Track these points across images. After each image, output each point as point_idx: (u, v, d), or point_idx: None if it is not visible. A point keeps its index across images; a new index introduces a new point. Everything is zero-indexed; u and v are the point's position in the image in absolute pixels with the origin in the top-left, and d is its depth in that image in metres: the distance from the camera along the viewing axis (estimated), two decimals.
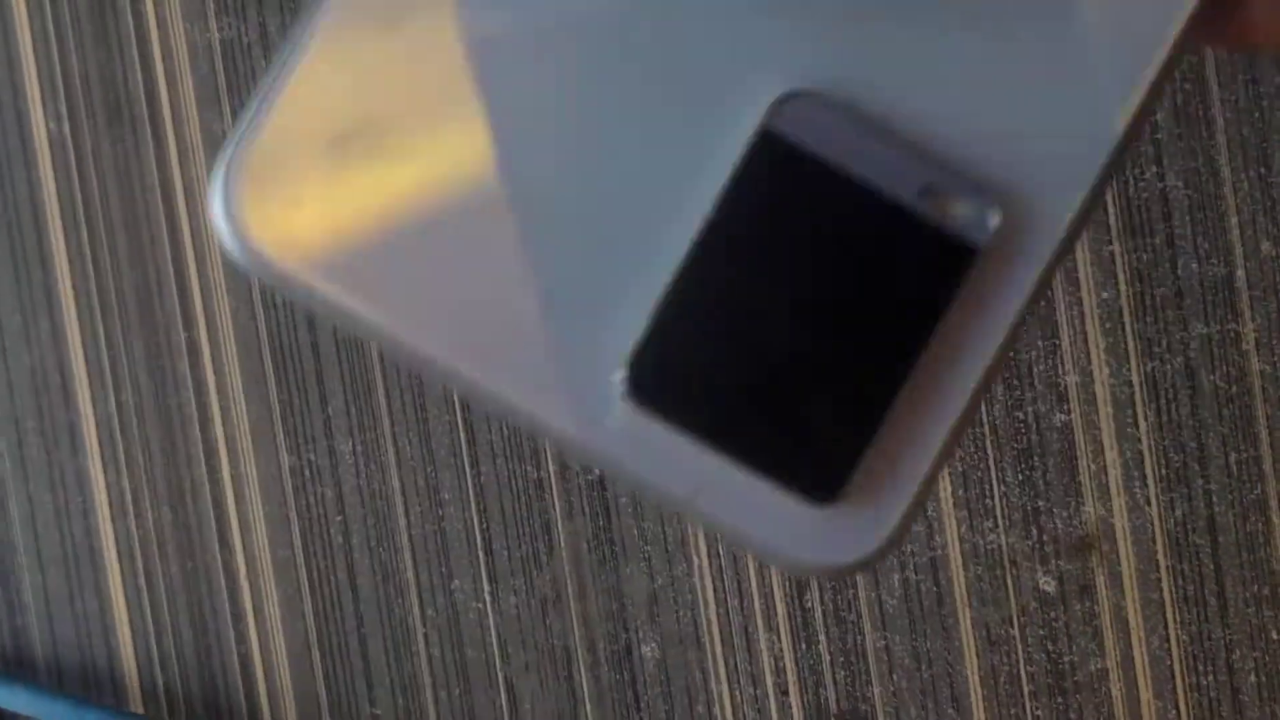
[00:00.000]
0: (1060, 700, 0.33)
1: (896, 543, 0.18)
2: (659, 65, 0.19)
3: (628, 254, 0.19)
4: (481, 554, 0.34)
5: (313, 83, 0.20)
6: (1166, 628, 0.33)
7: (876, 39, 0.19)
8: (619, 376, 0.18)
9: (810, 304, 0.19)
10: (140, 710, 0.35)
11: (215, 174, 0.20)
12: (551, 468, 0.34)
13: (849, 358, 0.19)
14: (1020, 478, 0.33)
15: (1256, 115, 0.33)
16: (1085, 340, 0.33)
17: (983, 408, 0.33)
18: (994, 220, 0.19)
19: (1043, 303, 0.33)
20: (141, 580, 0.34)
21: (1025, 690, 0.33)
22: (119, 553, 0.35)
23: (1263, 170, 0.33)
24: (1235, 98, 0.33)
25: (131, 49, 0.34)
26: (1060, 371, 0.33)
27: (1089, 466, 0.33)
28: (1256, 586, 0.33)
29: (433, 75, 0.19)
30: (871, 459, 0.18)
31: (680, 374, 0.18)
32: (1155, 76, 0.20)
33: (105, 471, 0.34)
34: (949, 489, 0.33)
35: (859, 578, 0.33)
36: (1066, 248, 0.19)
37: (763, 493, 0.18)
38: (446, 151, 0.20)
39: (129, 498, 0.34)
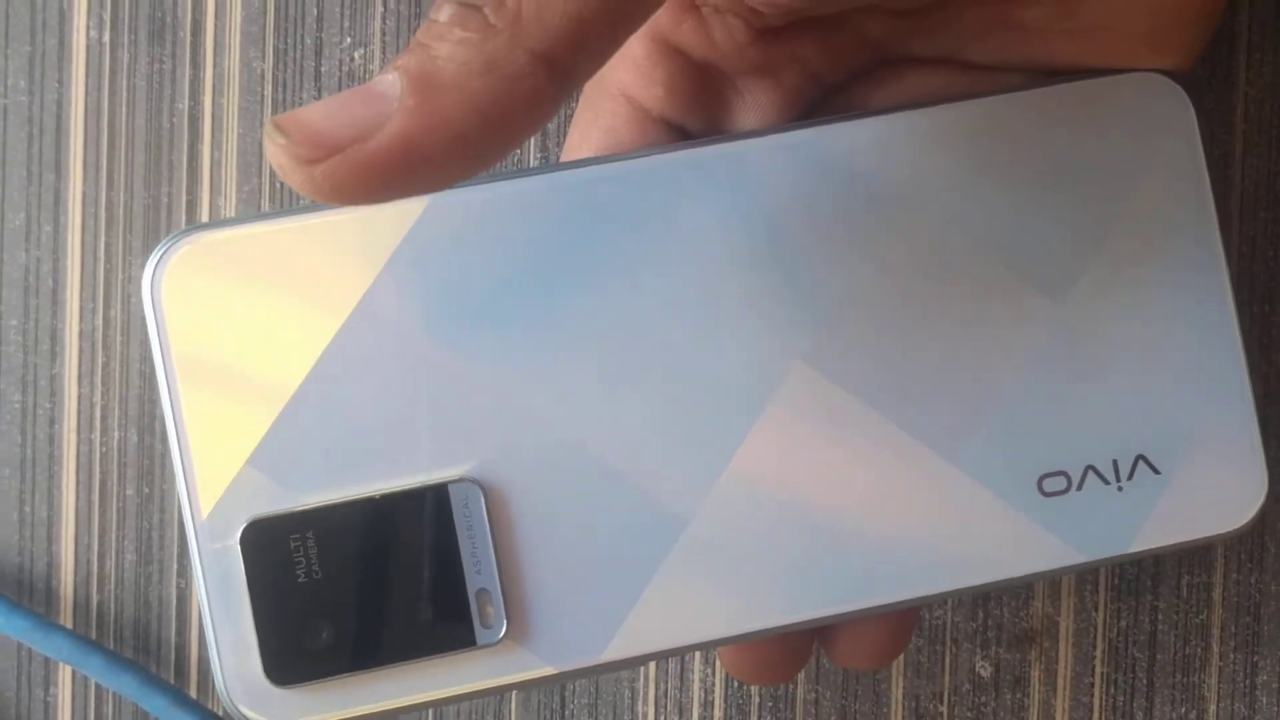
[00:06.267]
0: None
1: None
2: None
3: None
4: None
5: None
6: None
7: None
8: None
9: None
10: (69, 624, 0.34)
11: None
12: None
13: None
14: None
15: None
16: None
17: None
18: (502, 632, 0.26)
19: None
20: (95, 497, 0.34)
21: None
22: (78, 465, 0.34)
23: None
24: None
25: None
26: None
27: None
28: (1184, 709, 0.33)
29: None
30: (316, 689, 0.26)
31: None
32: None
33: (80, 383, 0.34)
34: None
35: None
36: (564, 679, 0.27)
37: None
38: None
39: (98, 414, 0.34)
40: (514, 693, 0.34)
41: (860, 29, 0.28)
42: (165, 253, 0.26)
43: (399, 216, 0.26)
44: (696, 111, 0.29)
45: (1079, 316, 0.27)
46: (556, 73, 0.22)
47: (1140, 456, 0.27)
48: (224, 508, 0.26)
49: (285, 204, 0.34)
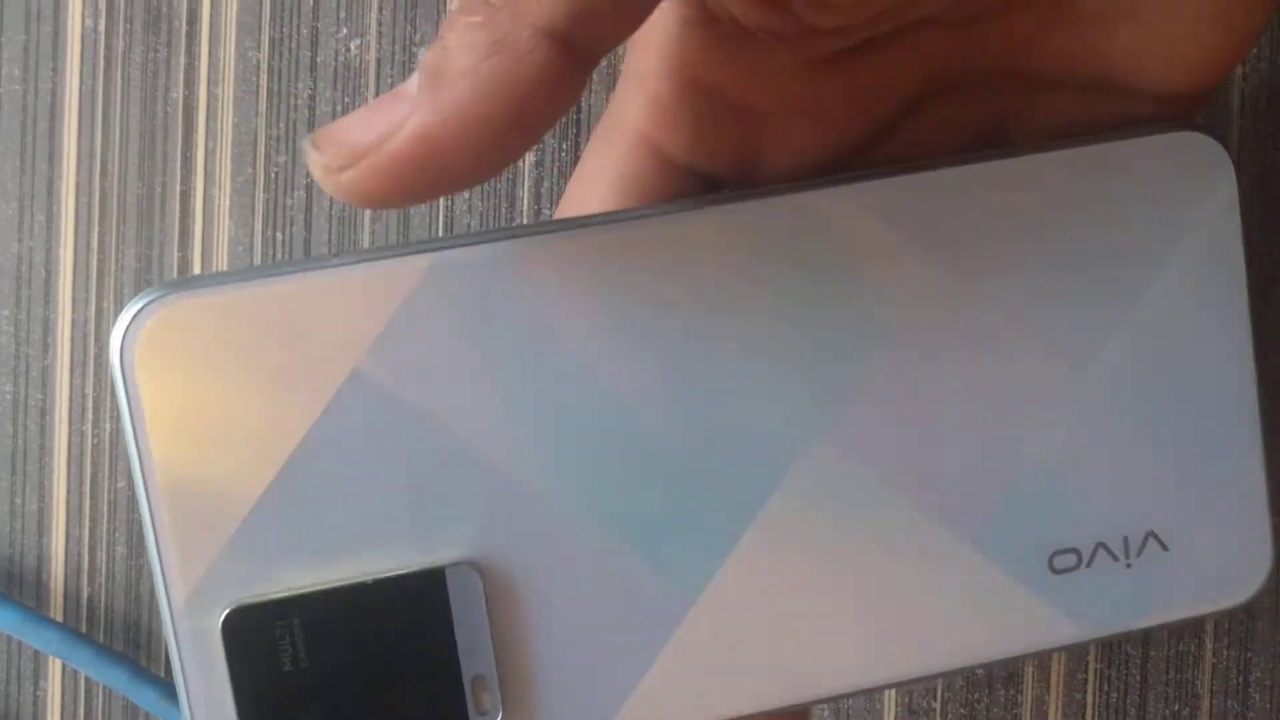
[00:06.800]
0: None
1: None
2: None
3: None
4: None
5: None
6: None
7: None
8: None
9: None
10: (59, 618, 0.34)
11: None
12: None
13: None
14: None
15: None
16: None
17: None
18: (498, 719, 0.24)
19: None
20: (87, 489, 0.34)
21: None
22: (69, 457, 0.34)
23: None
24: None
25: None
26: None
27: None
28: (1177, 706, 0.33)
29: None
30: None
31: None
32: None
33: (72, 374, 0.34)
34: None
35: None
36: None
37: None
38: None
39: (90, 405, 0.34)
40: None
41: (916, 48, 0.26)
42: (136, 315, 0.23)
43: (392, 283, 0.24)
44: (725, 157, 0.26)
45: (1098, 389, 0.26)
46: (564, 47, 0.21)
47: (1150, 533, 0.26)
48: (203, 593, 0.24)
49: (278, 193, 0.34)
